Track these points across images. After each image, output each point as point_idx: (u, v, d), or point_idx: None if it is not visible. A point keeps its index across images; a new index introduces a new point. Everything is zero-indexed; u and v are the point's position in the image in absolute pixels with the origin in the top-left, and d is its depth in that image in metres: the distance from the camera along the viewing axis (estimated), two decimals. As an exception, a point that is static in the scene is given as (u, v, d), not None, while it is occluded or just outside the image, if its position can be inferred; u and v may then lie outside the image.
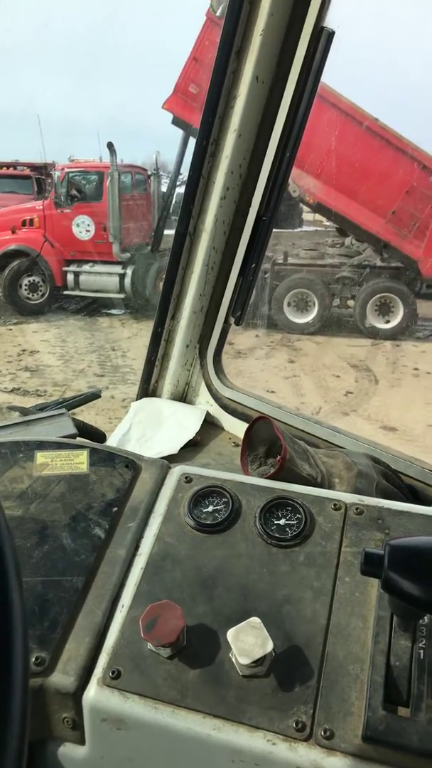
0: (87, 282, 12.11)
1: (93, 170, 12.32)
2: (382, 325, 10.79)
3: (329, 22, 1.56)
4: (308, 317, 11.02)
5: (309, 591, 0.99)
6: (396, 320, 10.69)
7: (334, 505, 1.11)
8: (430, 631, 0.91)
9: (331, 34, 1.55)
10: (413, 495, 1.42)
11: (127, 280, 11.82)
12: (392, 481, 1.36)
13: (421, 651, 0.89)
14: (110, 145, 10.93)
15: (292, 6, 1.49)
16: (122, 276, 11.85)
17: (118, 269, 11.87)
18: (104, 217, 11.46)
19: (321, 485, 1.26)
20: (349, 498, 1.13)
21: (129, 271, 11.82)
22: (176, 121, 11.07)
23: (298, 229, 17.76)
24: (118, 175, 11.15)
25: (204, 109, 1.58)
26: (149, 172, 13.06)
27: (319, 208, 11.39)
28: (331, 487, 1.28)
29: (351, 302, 11.14)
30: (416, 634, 0.91)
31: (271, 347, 10.11)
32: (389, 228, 10.36)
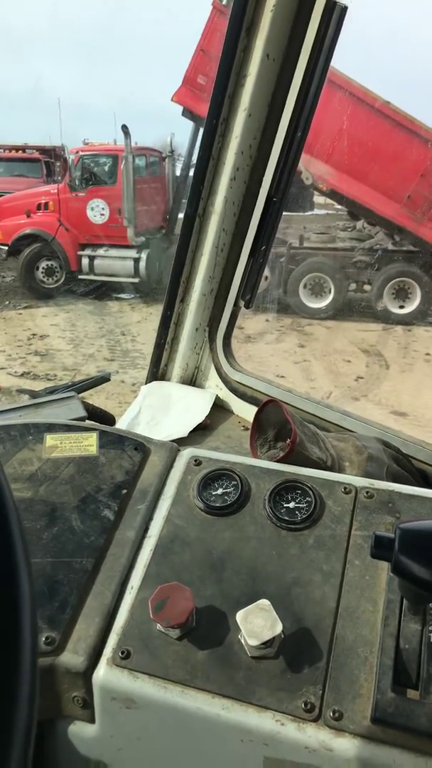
0: (102, 266, 12.03)
1: (107, 153, 12.19)
2: (399, 310, 10.67)
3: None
4: (324, 302, 10.93)
5: (318, 574, 0.99)
6: (413, 305, 10.57)
7: (344, 488, 1.11)
8: None
9: (344, 9, 1.51)
10: (424, 479, 1.41)
11: (142, 264, 11.75)
12: (403, 465, 1.35)
13: (431, 635, 0.89)
14: (125, 128, 10.81)
15: (304, -21, 1.46)
16: (137, 260, 11.78)
17: (133, 253, 11.80)
18: (119, 201, 11.37)
19: (331, 469, 1.26)
20: (359, 482, 1.12)
21: (144, 255, 11.75)
22: (186, 113, 10.94)
23: (309, 213, 17.56)
24: (132, 158, 11.04)
25: (214, 88, 1.55)
26: (164, 155, 12.95)
27: (333, 194, 11.24)
28: (341, 470, 1.27)
29: (367, 287, 11.01)
30: (426, 617, 0.91)
31: (281, 332, 10.06)
32: (405, 212, 10.22)
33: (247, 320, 9.86)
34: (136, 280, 11.93)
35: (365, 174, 10.00)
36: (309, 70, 1.54)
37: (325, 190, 11.17)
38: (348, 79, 9.68)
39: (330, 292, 10.89)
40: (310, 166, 10.31)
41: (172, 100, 10.85)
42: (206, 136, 1.57)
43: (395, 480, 1.27)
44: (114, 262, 11.98)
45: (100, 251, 12.03)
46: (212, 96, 1.55)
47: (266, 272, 11.15)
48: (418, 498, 1.08)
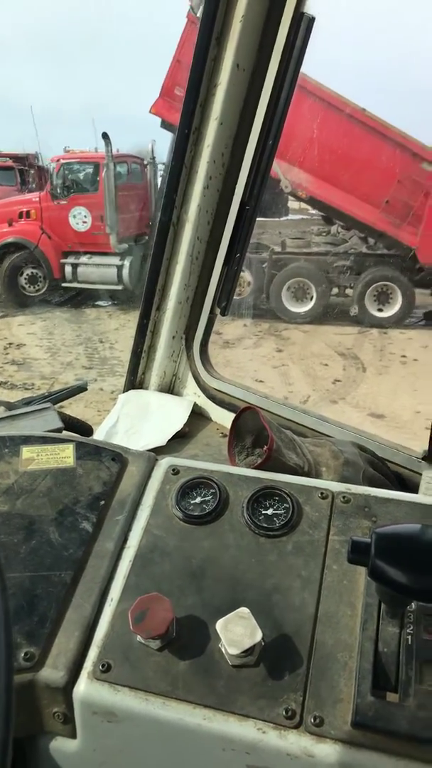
0: (85, 274, 12.02)
1: (88, 161, 12.18)
2: (380, 314, 10.83)
3: (309, 8, 1.55)
4: (307, 306, 11.03)
5: (297, 580, 0.99)
6: (394, 309, 10.72)
7: (321, 493, 1.11)
8: (417, 617, 0.92)
9: (312, 19, 1.53)
10: (400, 482, 1.43)
11: (125, 272, 11.74)
12: (379, 468, 1.37)
13: (409, 637, 0.90)
14: (105, 136, 10.81)
15: (272, -10, 1.48)
16: (120, 267, 11.78)
17: (116, 260, 11.80)
18: (101, 208, 11.37)
19: (308, 474, 1.27)
20: (336, 486, 1.13)
21: (127, 263, 11.75)
22: (164, 125, 10.95)
23: (284, 218, 17.68)
24: (113, 165, 11.05)
25: (185, 97, 1.56)
26: (145, 162, 12.95)
27: (312, 201, 11.38)
28: (318, 476, 1.28)
29: (349, 291, 11.15)
30: (404, 620, 0.92)
31: (259, 336, 10.11)
32: (384, 217, 10.37)
33: (225, 326, 9.89)
34: (119, 287, 11.92)
35: (343, 181, 10.13)
36: (279, 79, 1.56)
37: (305, 198, 11.29)
38: (325, 88, 9.82)
39: (312, 296, 11.00)
40: (289, 174, 10.41)
41: (150, 111, 10.86)
42: (178, 144, 1.58)
43: (371, 484, 1.29)
44: (97, 270, 11.98)
45: (83, 259, 12.01)
46: (183, 105, 1.56)
47: (249, 278, 11.23)
48: (394, 501, 1.09)
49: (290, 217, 18.35)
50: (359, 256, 11.61)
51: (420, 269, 10.61)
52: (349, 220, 11.36)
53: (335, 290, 11.22)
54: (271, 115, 1.59)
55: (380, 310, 10.81)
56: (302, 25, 1.52)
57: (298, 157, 9.97)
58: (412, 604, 0.92)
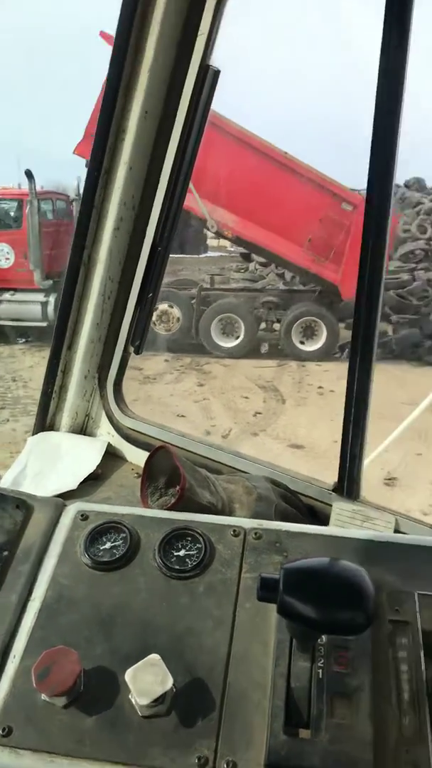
0: (8, 311, 11.76)
1: (11, 198, 12.08)
2: (306, 348, 11.18)
3: (214, 60, 1.62)
4: (236, 341, 11.25)
5: (209, 621, 0.99)
6: (320, 342, 11.08)
7: (234, 531, 1.12)
8: (328, 650, 0.93)
9: (217, 72, 1.61)
10: (312, 514, 1.46)
11: (50, 308, 11.54)
12: (291, 502, 1.39)
13: (320, 670, 0.91)
14: (29, 173, 10.74)
15: (178, 45, 1.54)
16: (44, 304, 11.58)
17: (41, 297, 11.59)
18: (25, 245, 11.20)
19: (222, 512, 1.27)
20: (248, 523, 1.14)
21: (51, 299, 11.55)
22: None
23: (203, 255, 18.06)
24: (37, 202, 10.93)
25: (94, 141, 1.58)
26: (71, 198, 12.93)
27: (238, 240, 11.73)
28: (231, 512, 1.29)
29: (277, 326, 11.48)
30: (315, 654, 0.93)
31: (181, 371, 10.15)
32: (307, 255, 10.81)
33: (146, 361, 9.87)
34: (44, 323, 11.73)
35: (268, 220, 10.50)
36: (187, 127, 1.61)
37: (231, 237, 11.61)
38: (249, 133, 10.28)
39: (241, 331, 11.23)
40: (215, 214, 10.70)
41: (74, 152, 10.92)
42: (88, 187, 1.59)
43: (284, 518, 1.31)
44: (21, 306, 11.76)
45: (6, 295, 11.77)
46: (93, 149, 1.58)
47: (178, 314, 11.39)
48: (304, 535, 1.12)
49: (209, 254, 18.77)
50: (286, 293, 12.08)
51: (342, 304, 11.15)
52: (274, 258, 11.79)
53: (263, 325, 11.55)
54: (180, 161, 1.64)
55: (302, 342, 11.18)
56: (208, 77, 1.59)
57: (223, 198, 10.30)
58: (323, 637, 0.93)
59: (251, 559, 1.08)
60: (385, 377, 10.14)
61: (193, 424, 7.53)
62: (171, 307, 11.48)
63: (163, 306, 11.39)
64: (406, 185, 15.31)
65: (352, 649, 0.93)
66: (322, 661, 0.92)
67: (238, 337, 11.24)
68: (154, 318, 11.20)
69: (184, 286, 12.30)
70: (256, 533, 1.11)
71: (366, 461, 2.92)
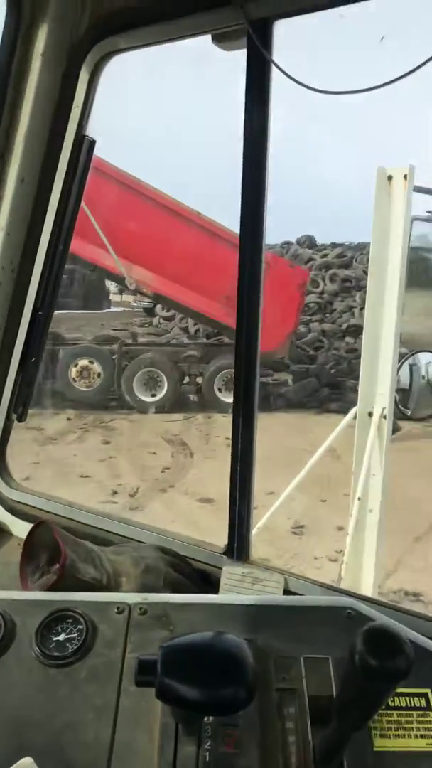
0: None
1: None
2: (228, 399, 11.24)
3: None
4: (159, 395, 11.20)
5: (91, 711, 0.92)
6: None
7: (118, 608, 1.07)
8: (215, 730, 0.89)
9: (92, 142, 1.65)
10: (204, 579, 1.43)
11: None
12: (181, 569, 1.36)
13: (207, 753, 0.87)
14: None
15: (53, 117, 1.56)
16: None
17: None
18: None
19: (107, 587, 1.22)
20: (133, 598, 1.10)
21: None
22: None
23: (106, 310, 18.07)
24: None
25: (-30, 208, 1.55)
26: None
27: (157, 297, 11.88)
28: (117, 587, 1.24)
29: (199, 379, 11.57)
30: (201, 735, 0.89)
31: (84, 429, 9.89)
32: (224, 311, 11.12)
33: (46, 420, 9.56)
34: None
35: (185, 278, 10.76)
36: (65, 194, 1.63)
37: (149, 294, 11.75)
38: (162, 194, 10.59)
39: (164, 383, 11.21)
40: (133, 272, 10.80)
41: None
42: (-37, 254, 1.55)
43: (173, 588, 1.28)
44: None
45: None
46: None
47: (99, 369, 11.21)
48: (191, 606, 1.09)
49: (112, 309, 18.79)
50: (207, 347, 12.33)
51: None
52: (193, 315, 12.04)
53: (186, 379, 11.63)
54: (59, 226, 1.64)
55: (220, 391, 11.36)
56: (84, 146, 1.62)
57: (140, 257, 10.45)
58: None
59: (136, 637, 1.03)
60: (287, 426, 10.44)
61: (99, 484, 7.32)
62: (92, 362, 11.35)
63: (83, 362, 11.26)
64: (298, 242, 16.29)
65: (240, 725, 0.90)
66: (210, 742, 0.88)
67: (161, 391, 11.27)
68: (74, 374, 11.12)
69: (105, 341, 12.31)
70: (141, 608, 1.07)
71: (267, 514, 2.93)
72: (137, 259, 10.64)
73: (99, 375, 11.29)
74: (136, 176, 10.72)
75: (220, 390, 11.34)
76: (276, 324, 11.04)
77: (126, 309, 18.57)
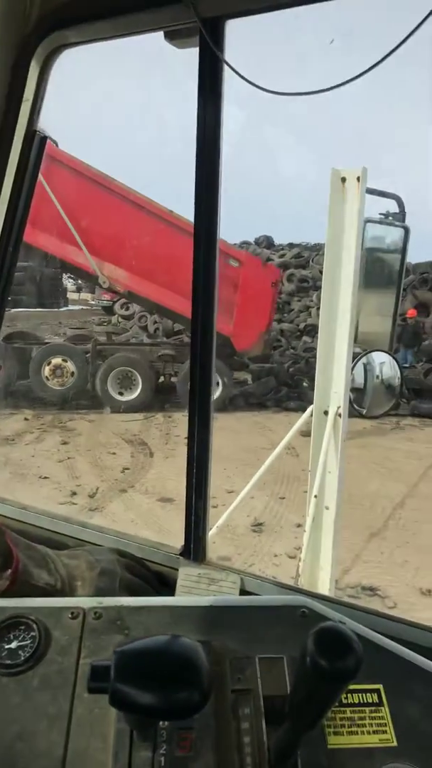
0: None
1: None
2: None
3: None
4: (133, 394, 11.19)
5: (44, 720, 0.90)
6: (217, 392, 11.21)
7: (72, 613, 1.05)
8: (170, 734, 0.88)
9: (44, 138, 1.61)
10: (161, 582, 1.42)
11: None
12: (137, 572, 1.35)
13: (162, 758, 0.86)
14: None
15: (2, 109, 1.52)
16: None
17: None
18: None
19: (61, 592, 1.19)
20: (87, 603, 1.08)
21: None
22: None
23: (64, 309, 17.83)
24: None
25: None
26: None
27: (130, 296, 11.78)
28: (72, 591, 1.21)
29: (174, 378, 11.58)
30: (157, 740, 0.88)
31: (42, 430, 9.73)
32: None
33: (3, 421, 9.36)
34: None
35: (158, 276, 10.76)
36: (15, 190, 1.59)
37: (123, 292, 11.64)
38: (134, 192, 10.53)
39: (138, 384, 11.18)
40: (105, 270, 10.75)
41: None
42: None
43: (129, 590, 1.26)
44: None
45: None
46: None
47: (73, 368, 11.16)
48: (147, 608, 1.07)
49: (70, 307, 18.55)
50: (181, 346, 12.32)
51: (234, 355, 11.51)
52: (166, 312, 12.04)
53: (162, 378, 11.70)
54: (9, 224, 1.59)
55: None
56: (35, 142, 1.58)
57: (113, 255, 10.46)
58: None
59: (90, 643, 1.01)
60: (247, 425, 10.52)
61: (58, 485, 7.21)
62: (65, 361, 11.28)
63: (56, 360, 11.22)
64: (256, 242, 16.43)
65: (195, 728, 0.89)
66: (165, 747, 0.87)
67: (135, 390, 11.17)
68: (47, 373, 11.10)
69: (80, 340, 12.34)
70: (95, 613, 1.05)
71: (226, 513, 2.94)
72: (108, 257, 10.59)
73: (72, 374, 11.28)
74: (105, 173, 10.66)
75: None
76: (251, 323, 11.14)
77: (84, 307, 18.35)
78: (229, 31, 1.27)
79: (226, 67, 1.24)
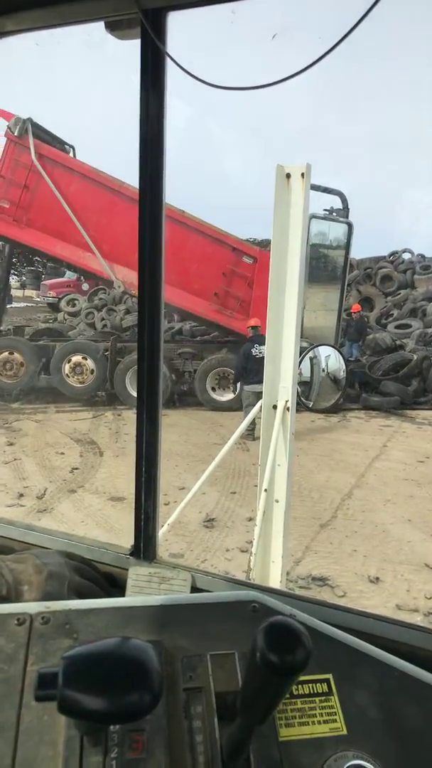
0: None
1: None
2: (220, 398, 11.43)
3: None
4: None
5: None
6: (233, 393, 11.20)
7: (18, 619, 1.02)
8: (121, 737, 0.87)
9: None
10: (112, 583, 1.40)
11: None
12: (87, 574, 1.32)
13: (113, 762, 0.85)
14: None
15: None
16: None
17: None
18: None
19: (7, 598, 1.16)
20: (34, 608, 1.05)
21: None
22: (-6, 235, 10.65)
23: (8, 306, 17.38)
24: None
25: None
26: None
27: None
28: (18, 596, 1.18)
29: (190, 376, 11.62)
30: (108, 744, 0.86)
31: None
32: (214, 309, 11.08)
33: None
34: None
35: (173, 277, 10.53)
36: None
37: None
38: (134, 189, 10.30)
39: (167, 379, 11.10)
40: (120, 275, 10.67)
41: None
42: None
43: (78, 593, 1.23)
44: None
45: None
46: None
47: (92, 366, 11.26)
48: (95, 611, 1.05)
49: (14, 304, 18.12)
50: (202, 344, 12.46)
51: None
52: (182, 313, 12.19)
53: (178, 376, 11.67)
54: None
55: (213, 389, 11.51)
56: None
57: (126, 258, 10.22)
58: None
59: (37, 649, 0.98)
60: (198, 421, 10.53)
61: (3, 487, 7.02)
62: (85, 359, 11.35)
63: (76, 358, 11.37)
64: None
65: (147, 729, 0.88)
66: (116, 750, 0.86)
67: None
68: (67, 370, 11.33)
69: (101, 337, 12.49)
70: (43, 618, 1.03)
71: (177, 510, 2.92)
72: (121, 260, 10.48)
73: (92, 371, 11.42)
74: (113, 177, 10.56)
75: (212, 387, 11.50)
76: (265, 318, 11.14)
77: (29, 304, 17.96)
78: (175, 24, 1.25)
79: (169, 60, 1.23)
